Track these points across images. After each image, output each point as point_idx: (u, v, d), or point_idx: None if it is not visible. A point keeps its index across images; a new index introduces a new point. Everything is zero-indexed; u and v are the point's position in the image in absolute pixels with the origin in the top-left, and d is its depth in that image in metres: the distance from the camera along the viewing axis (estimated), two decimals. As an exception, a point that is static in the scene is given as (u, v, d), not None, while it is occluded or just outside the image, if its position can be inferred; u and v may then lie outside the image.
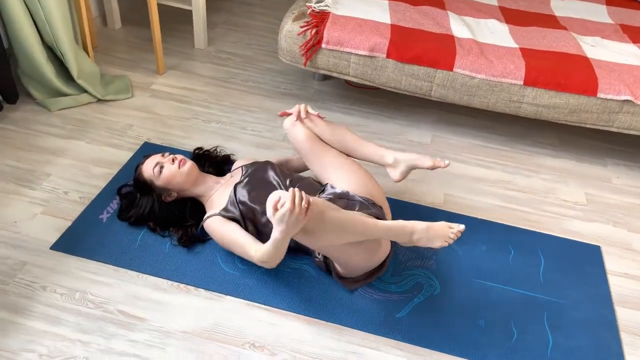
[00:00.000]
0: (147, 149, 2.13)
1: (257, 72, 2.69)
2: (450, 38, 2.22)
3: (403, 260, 1.78)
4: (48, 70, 2.20)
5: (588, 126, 2.16)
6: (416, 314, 1.62)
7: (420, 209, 1.98)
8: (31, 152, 2.07)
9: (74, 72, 2.25)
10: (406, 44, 2.15)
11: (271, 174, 1.74)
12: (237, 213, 1.65)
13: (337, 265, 1.62)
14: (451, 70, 2.12)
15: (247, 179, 1.72)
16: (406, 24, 2.27)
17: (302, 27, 2.20)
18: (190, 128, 2.28)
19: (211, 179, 1.81)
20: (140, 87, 2.51)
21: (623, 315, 1.68)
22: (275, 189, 1.69)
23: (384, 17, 2.29)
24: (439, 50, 2.14)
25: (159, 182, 1.73)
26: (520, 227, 1.96)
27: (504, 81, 2.10)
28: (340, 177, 1.70)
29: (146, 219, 1.77)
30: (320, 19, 2.24)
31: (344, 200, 1.63)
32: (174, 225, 1.77)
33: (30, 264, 1.65)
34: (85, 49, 2.45)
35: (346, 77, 2.26)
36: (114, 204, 1.86)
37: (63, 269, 1.64)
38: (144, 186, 1.75)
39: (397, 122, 2.43)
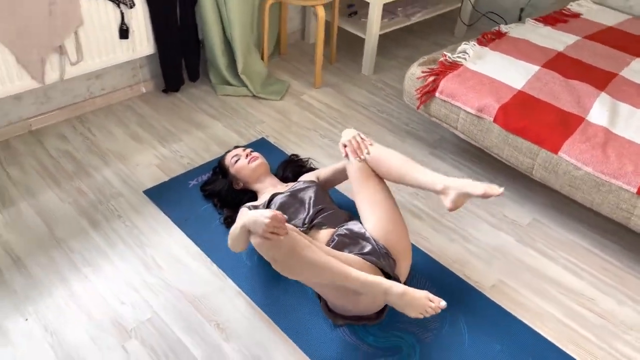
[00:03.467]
0: (262, 144, 2.46)
1: (397, 106, 2.78)
2: (578, 120, 1.97)
3: (400, 320, 1.72)
4: (221, 61, 2.72)
5: None
6: (374, 373, 1.57)
7: (458, 283, 1.85)
8: (183, 121, 2.59)
9: (239, 68, 2.72)
10: (517, 113, 2.00)
11: (310, 198, 1.84)
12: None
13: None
14: (556, 153, 1.90)
15: (289, 193, 1.87)
16: (537, 94, 2.09)
17: (423, 72, 2.23)
18: (305, 138, 2.53)
19: (271, 181, 2.02)
20: (293, 93, 2.86)
21: None
22: (304, 210, 1.80)
23: (519, 82, 2.14)
24: (550, 128, 1.93)
25: (232, 170, 2.03)
26: (560, 347, 1.66)
27: (613, 182, 1.79)
28: (366, 217, 1.73)
29: (214, 196, 2.09)
30: (448, 68, 2.23)
31: (356, 239, 1.67)
32: (230, 207, 2.05)
33: (124, 197, 2.13)
34: (261, 52, 2.91)
35: (454, 131, 2.21)
36: (205, 177, 2.23)
37: (140, 210, 2.07)
38: (222, 170, 2.08)
39: (502, 193, 2.25)
